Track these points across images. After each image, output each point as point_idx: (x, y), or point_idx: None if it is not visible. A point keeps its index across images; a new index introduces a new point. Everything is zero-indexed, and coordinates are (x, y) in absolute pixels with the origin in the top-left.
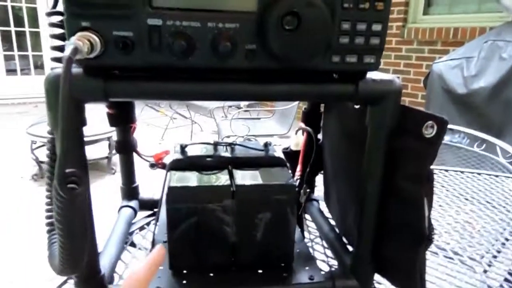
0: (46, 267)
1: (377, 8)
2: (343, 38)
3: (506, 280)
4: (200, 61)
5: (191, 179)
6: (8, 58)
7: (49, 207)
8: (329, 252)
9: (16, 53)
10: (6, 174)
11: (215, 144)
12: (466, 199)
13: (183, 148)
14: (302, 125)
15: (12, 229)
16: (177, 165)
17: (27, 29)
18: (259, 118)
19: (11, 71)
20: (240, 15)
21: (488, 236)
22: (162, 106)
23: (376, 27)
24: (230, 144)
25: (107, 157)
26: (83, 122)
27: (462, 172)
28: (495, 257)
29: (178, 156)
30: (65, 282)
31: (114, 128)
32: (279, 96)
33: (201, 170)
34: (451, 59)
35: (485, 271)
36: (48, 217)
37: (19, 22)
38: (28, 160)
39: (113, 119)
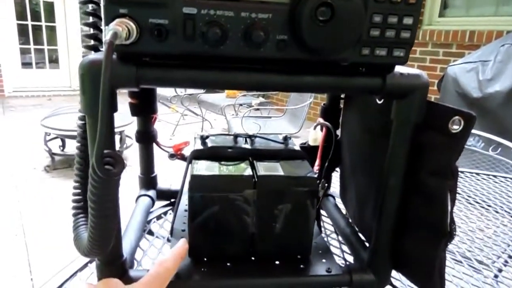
0: (61, 253)
1: (409, 1)
2: (374, 31)
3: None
4: (232, 50)
5: (214, 168)
6: (24, 52)
7: (78, 191)
8: (345, 248)
9: (32, 46)
10: (20, 165)
11: (236, 136)
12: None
13: (203, 138)
14: (321, 120)
15: (24, 219)
16: (199, 155)
17: (43, 23)
18: (270, 117)
19: (26, 64)
20: (273, 6)
21: (500, 241)
22: (174, 102)
23: (408, 20)
24: (250, 136)
25: (118, 151)
26: (115, 108)
27: (477, 174)
28: (506, 262)
29: (199, 146)
30: (85, 265)
31: (125, 123)
32: (307, 88)
33: (222, 161)
34: (466, 62)
35: (495, 276)
36: (76, 201)
37: (35, 16)
38: (41, 151)
39: (135, 109)
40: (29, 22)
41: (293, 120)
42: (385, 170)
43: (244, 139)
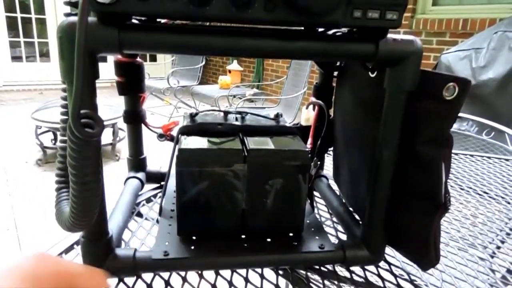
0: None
1: None
2: None
3: (508, 271)
4: (218, 11)
5: (202, 143)
6: (14, 45)
7: (61, 165)
8: (339, 228)
9: (22, 39)
10: (11, 159)
11: (226, 113)
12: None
13: (193, 116)
14: (313, 99)
15: (16, 213)
16: (187, 131)
17: (33, 15)
18: (263, 108)
19: (16, 58)
20: None
21: (492, 226)
22: (167, 94)
23: None
24: (240, 113)
25: (111, 144)
26: (96, 74)
27: (471, 155)
28: (498, 247)
29: (189, 123)
30: (71, 247)
31: (118, 115)
32: (298, 54)
33: (212, 137)
34: (459, 50)
35: (490, 258)
36: (59, 175)
37: (24, 9)
38: (33, 145)
39: (122, 88)
40: (18, 15)
41: (287, 110)
42: (379, 142)
43: (234, 116)
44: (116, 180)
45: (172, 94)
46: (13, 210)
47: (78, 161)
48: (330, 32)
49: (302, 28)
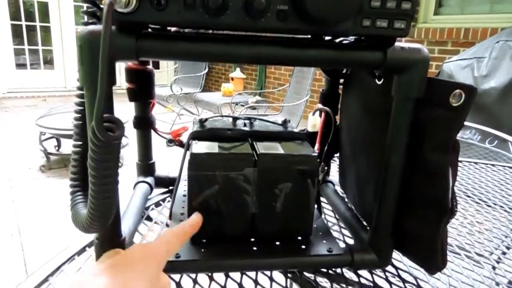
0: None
1: None
2: (375, 2)
3: (510, 282)
4: (232, 20)
5: (213, 147)
6: (18, 53)
7: (75, 169)
8: (346, 232)
9: (26, 47)
10: (15, 165)
11: (234, 118)
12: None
13: (202, 122)
14: (320, 105)
15: (19, 218)
16: (198, 136)
17: (37, 23)
18: (266, 115)
19: (21, 65)
20: None
21: (498, 233)
22: (170, 102)
23: None
24: (249, 118)
25: None
26: (113, 81)
27: (476, 163)
28: (504, 253)
29: (198, 128)
30: (83, 249)
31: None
32: (308, 61)
33: (222, 142)
34: (461, 59)
35: (493, 268)
36: (73, 179)
37: (30, 17)
38: (36, 151)
39: (133, 94)
40: (23, 23)
41: (289, 118)
42: (386, 148)
43: (243, 122)
44: (120, 185)
45: (175, 101)
46: (17, 215)
47: (100, 164)
48: (337, 40)
49: (309, 36)
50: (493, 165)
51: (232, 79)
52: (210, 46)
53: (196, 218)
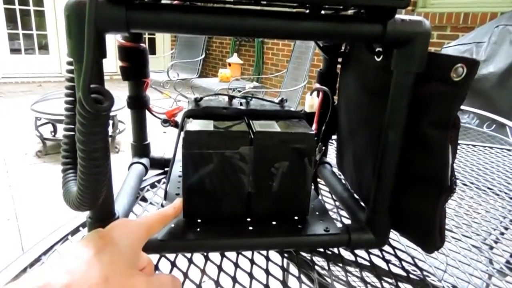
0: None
1: None
2: None
3: (507, 262)
4: None
5: (208, 125)
6: (13, 38)
7: (66, 146)
8: (343, 213)
9: (20, 32)
10: (11, 151)
11: (231, 97)
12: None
13: (197, 100)
14: (318, 85)
15: (16, 203)
16: (192, 114)
17: (31, 7)
18: None
19: (15, 51)
20: None
21: (496, 213)
22: (166, 87)
23: None
24: (245, 97)
25: (111, 136)
26: (103, 54)
27: (474, 145)
28: (502, 234)
29: (193, 107)
30: (77, 229)
31: (118, 107)
32: (305, 34)
33: (217, 120)
34: (460, 44)
35: (491, 248)
36: (65, 157)
37: (23, 1)
38: (32, 137)
39: (126, 73)
40: (17, 7)
41: None
42: (385, 125)
43: (239, 100)
44: (116, 171)
45: (172, 87)
46: (13, 200)
47: (88, 137)
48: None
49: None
50: (491, 147)
51: (230, 64)
52: (204, 18)
53: (178, 203)
